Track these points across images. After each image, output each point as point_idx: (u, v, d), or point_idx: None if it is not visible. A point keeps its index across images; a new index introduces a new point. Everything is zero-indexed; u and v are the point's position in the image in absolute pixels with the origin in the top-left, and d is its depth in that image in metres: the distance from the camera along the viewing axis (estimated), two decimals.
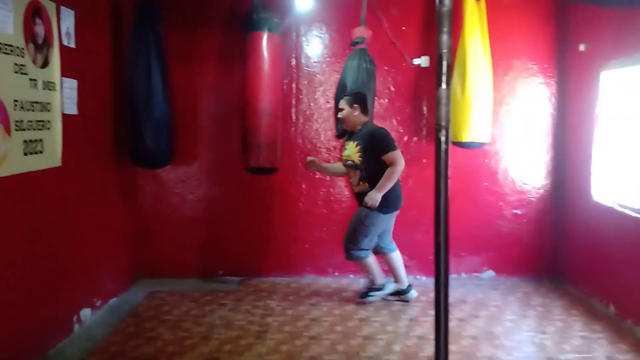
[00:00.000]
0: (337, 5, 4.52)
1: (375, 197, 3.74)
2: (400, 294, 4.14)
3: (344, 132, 4.25)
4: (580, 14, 4.31)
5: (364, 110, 3.93)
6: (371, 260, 4.04)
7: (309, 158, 4.10)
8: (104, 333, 3.46)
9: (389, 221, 4.01)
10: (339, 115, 3.94)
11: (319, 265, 4.70)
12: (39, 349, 3.07)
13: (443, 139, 1.19)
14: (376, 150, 3.77)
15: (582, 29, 4.28)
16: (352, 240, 3.93)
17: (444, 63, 1.14)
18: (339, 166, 4.16)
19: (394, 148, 3.78)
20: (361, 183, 3.87)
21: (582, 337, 3.48)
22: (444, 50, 1.13)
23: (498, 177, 4.63)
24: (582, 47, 4.23)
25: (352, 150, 3.86)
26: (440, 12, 1.10)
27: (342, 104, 3.91)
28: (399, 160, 3.76)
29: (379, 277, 4.11)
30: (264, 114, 4.12)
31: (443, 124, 1.17)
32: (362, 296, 4.13)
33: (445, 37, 1.13)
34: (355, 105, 3.88)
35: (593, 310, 3.94)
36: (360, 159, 3.81)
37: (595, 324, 3.70)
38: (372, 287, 4.13)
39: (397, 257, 4.13)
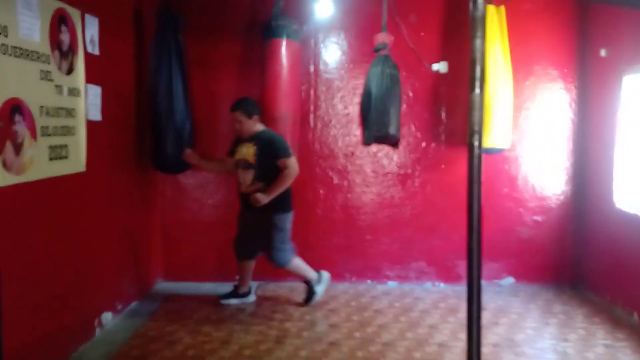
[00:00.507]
0: (355, 12, 4.54)
1: (263, 199, 3.78)
2: (241, 297, 4.21)
3: (372, 139, 4.28)
4: (601, 19, 4.28)
5: (261, 118, 3.98)
6: (297, 259, 4.09)
7: (188, 150, 4.10)
8: (125, 337, 3.49)
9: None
10: (236, 127, 3.94)
11: (336, 271, 4.69)
12: (61, 352, 3.11)
13: (476, 143, 1.18)
14: (273, 154, 3.82)
15: (603, 34, 4.24)
16: (277, 242, 3.94)
17: (478, 68, 1.14)
18: (219, 164, 4.23)
19: (290, 154, 3.85)
20: (255, 182, 3.85)
21: (605, 346, 3.43)
22: (478, 55, 1.13)
23: (518, 183, 4.59)
24: (603, 52, 4.19)
25: (248, 150, 3.87)
26: (473, 16, 1.11)
27: (239, 115, 3.88)
28: (293, 166, 3.83)
29: (312, 272, 4.15)
30: (282, 120, 4.14)
31: (476, 128, 1.17)
32: (309, 299, 4.15)
33: (478, 42, 1.13)
34: (254, 115, 3.90)
35: (616, 318, 3.88)
36: (255, 158, 3.83)
37: (619, 332, 3.64)
38: (310, 284, 4.15)
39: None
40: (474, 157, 1.20)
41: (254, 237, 4.03)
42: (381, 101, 4.23)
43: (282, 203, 3.90)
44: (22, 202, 2.72)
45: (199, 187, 4.66)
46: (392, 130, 4.26)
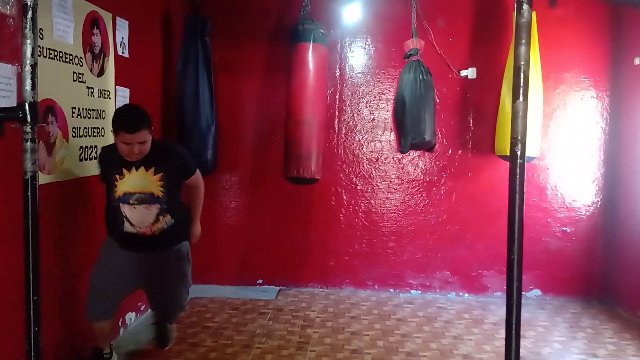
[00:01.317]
0: (382, 17, 4.51)
1: (198, 231, 3.16)
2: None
3: (409, 146, 4.22)
4: (636, 26, 4.18)
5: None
6: None
7: None
8: (148, 337, 3.50)
9: None
10: (136, 151, 2.67)
11: (358, 278, 4.66)
12: (86, 351, 3.12)
13: (519, 152, 1.15)
14: (184, 174, 2.93)
15: (638, 42, 4.14)
16: (186, 293, 3.14)
17: (522, 75, 1.11)
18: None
19: (196, 165, 3.06)
20: (161, 218, 2.78)
21: None
22: (522, 63, 1.10)
23: (547, 192, 4.50)
24: (637, 61, 4.09)
25: (147, 179, 2.74)
26: (519, 23, 1.08)
27: (144, 135, 2.67)
28: (201, 179, 3.10)
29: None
30: (306, 125, 4.12)
31: (519, 137, 1.14)
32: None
33: (523, 49, 1.10)
34: (152, 128, 2.78)
35: None
36: (162, 189, 2.76)
37: None
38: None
39: None
40: (517, 166, 1.17)
41: (154, 283, 2.97)
42: (415, 108, 4.19)
43: (188, 226, 3.05)
44: (53, 201, 2.76)
45: (222, 190, 4.67)
46: (428, 136, 4.22)
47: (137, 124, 2.65)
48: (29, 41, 1.26)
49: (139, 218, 2.75)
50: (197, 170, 3.04)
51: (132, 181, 2.73)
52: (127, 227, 2.77)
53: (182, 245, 3.00)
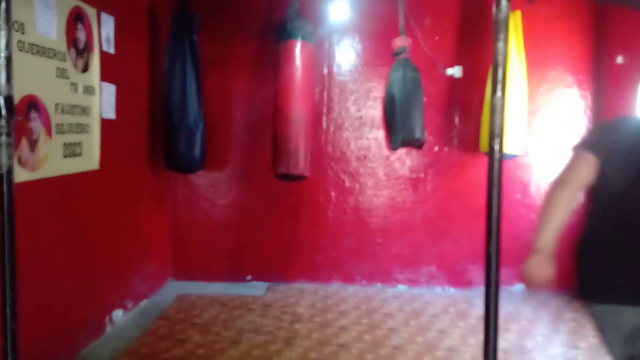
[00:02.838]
0: (369, 15, 4.54)
1: None
2: None
3: (399, 144, 4.26)
4: (619, 26, 4.25)
5: None
6: None
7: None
8: (136, 334, 3.50)
9: None
10: None
11: (346, 273, 4.69)
12: (72, 348, 3.13)
13: (497, 147, 1.17)
14: None
15: (620, 41, 4.21)
16: None
17: (500, 70, 1.13)
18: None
19: None
20: None
21: None
22: (500, 58, 1.13)
23: (530, 189, 4.56)
24: (620, 59, 4.16)
25: None
26: (497, 19, 1.10)
27: None
28: None
29: None
30: (294, 122, 4.14)
31: (497, 132, 1.16)
32: None
33: (501, 45, 1.13)
34: None
35: None
36: None
37: None
38: None
39: None
40: (494, 160, 1.19)
41: None
42: (405, 105, 4.23)
43: None
44: (35, 198, 2.74)
45: (210, 187, 4.67)
46: (417, 133, 4.26)
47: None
48: (3, 32, 1.25)
49: None
50: None
51: None
52: None
53: None
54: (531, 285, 1.91)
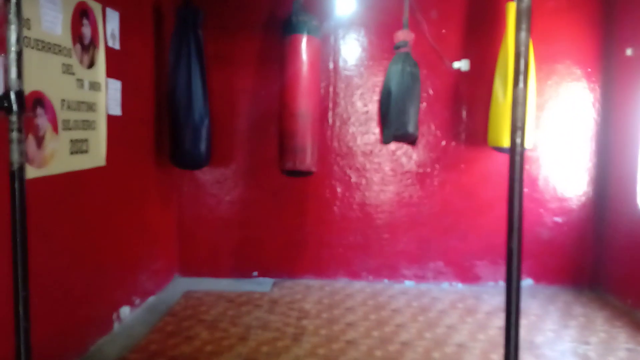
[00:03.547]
0: (376, 9, 4.50)
1: None
2: None
3: (391, 138, 4.24)
4: (627, 17, 4.19)
5: None
6: None
7: None
8: (143, 331, 3.49)
9: None
10: None
11: (352, 269, 4.67)
12: (81, 345, 3.12)
13: (519, 140, 1.14)
14: None
15: (629, 33, 4.16)
16: None
17: (522, 61, 1.10)
18: None
19: None
20: None
21: (628, 350, 3.36)
22: (522, 49, 1.10)
23: (539, 183, 4.52)
24: (629, 52, 4.11)
25: None
26: (519, 8, 1.07)
27: None
28: None
29: None
30: (301, 117, 4.11)
31: (519, 124, 1.13)
32: None
33: (523, 35, 1.10)
34: None
35: (638, 322, 3.81)
36: None
37: None
38: None
39: None
40: (516, 154, 1.16)
41: None
42: (401, 100, 4.19)
43: None
44: (42, 195, 2.73)
45: (216, 184, 4.65)
46: (410, 129, 4.22)
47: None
48: (13, 27, 1.22)
49: None
50: None
51: None
52: None
53: None
54: None
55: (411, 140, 4.44)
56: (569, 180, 4.53)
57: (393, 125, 4.26)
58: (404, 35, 4.20)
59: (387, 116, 4.33)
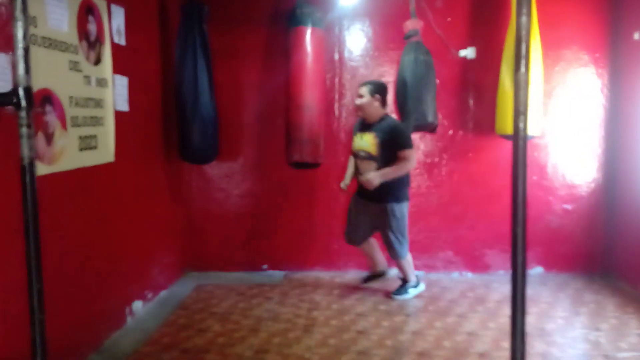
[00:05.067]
0: None
1: (375, 178, 3.65)
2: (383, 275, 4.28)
3: (411, 128, 4.27)
4: (636, 1, 4.14)
5: (384, 102, 3.87)
6: (410, 257, 4.07)
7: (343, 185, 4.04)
8: (156, 325, 3.53)
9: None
10: (357, 102, 3.84)
11: (362, 260, 4.66)
12: (95, 339, 3.16)
13: (522, 125, 1.14)
14: (396, 145, 3.73)
15: (637, 17, 4.11)
16: (394, 238, 3.87)
17: (523, 46, 1.10)
18: (351, 164, 4.07)
19: (411, 146, 3.78)
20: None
21: (639, 335, 3.35)
22: (523, 33, 1.09)
23: (547, 171, 4.50)
24: (637, 36, 4.07)
25: (370, 141, 3.79)
26: None
27: (363, 90, 3.80)
28: (413, 158, 3.78)
29: (414, 275, 4.13)
30: (307, 109, 4.12)
31: (522, 109, 1.13)
32: (398, 293, 4.07)
33: (524, 19, 1.09)
34: (376, 95, 3.79)
35: None
36: (378, 151, 3.75)
37: None
38: (406, 284, 4.11)
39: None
40: (519, 139, 1.16)
41: (371, 223, 3.96)
42: (417, 89, 4.18)
43: (398, 192, 3.82)
44: (53, 192, 2.76)
45: (225, 177, 4.68)
46: (430, 117, 4.22)
47: (364, 82, 3.90)
48: (20, 23, 1.23)
49: (362, 170, 3.84)
50: (410, 149, 3.75)
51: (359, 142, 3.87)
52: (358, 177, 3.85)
53: (386, 205, 3.81)
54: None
55: (432, 129, 4.43)
56: (578, 167, 4.50)
57: (412, 115, 4.25)
58: (413, 25, 4.18)
59: (405, 107, 4.31)
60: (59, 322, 2.74)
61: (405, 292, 4.06)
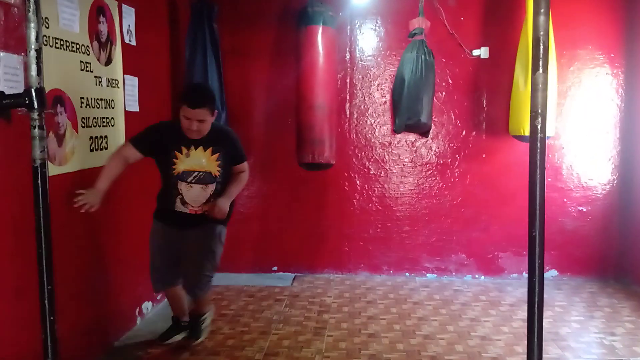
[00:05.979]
0: None
1: (225, 206, 2.98)
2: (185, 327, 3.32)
3: (403, 127, 4.18)
4: None
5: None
6: None
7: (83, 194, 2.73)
8: (166, 326, 3.50)
9: None
10: (195, 128, 2.88)
11: (373, 263, 4.64)
12: (105, 340, 3.15)
13: (539, 126, 1.11)
14: (237, 158, 3.12)
15: None
16: (211, 267, 3.15)
17: (541, 46, 1.06)
18: (120, 166, 2.93)
19: (246, 157, 3.21)
20: (212, 200, 3.00)
21: None
22: (542, 33, 1.06)
23: (562, 172, 4.43)
24: None
25: (207, 159, 2.97)
26: None
27: (204, 114, 2.88)
28: (248, 170, 3.21)
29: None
30: (318, 109, 4.09)
31: (539, 110, 1.10)
32: (200, 331, 3.26)
33: (542, 19, 1.06)
34: (215, 110, 3.01)
35: None
36: (219, 169, 3.00)
37: None
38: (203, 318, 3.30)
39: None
40: (537, 140, 1.13)
41: (186, 255, 3.11)
42: (414, 88, 4.12)
43: (230, 211, 3.13)
44: (64, 192, 2.75)
45: None
46: (423, 118, 4.16)
47: (199, 101, 2.86)
48: (32, 25, 1.23)
49: (193, 197, 2.98)
50: (246, 161, 3.21)
51: (190, 160, 2.96)
52: (178, 206, 3.00)
53: (217, 226, 3.12)
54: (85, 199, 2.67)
55: (424, 130, 4.37)
56: (593, 168, 4.43)
57: (405, 113, 4.20)
58: (418, 23, 4.13)
59: (399, 104, 4.27)
60: (69, 324, 2.73)
61: (205, 325, 3.30)
